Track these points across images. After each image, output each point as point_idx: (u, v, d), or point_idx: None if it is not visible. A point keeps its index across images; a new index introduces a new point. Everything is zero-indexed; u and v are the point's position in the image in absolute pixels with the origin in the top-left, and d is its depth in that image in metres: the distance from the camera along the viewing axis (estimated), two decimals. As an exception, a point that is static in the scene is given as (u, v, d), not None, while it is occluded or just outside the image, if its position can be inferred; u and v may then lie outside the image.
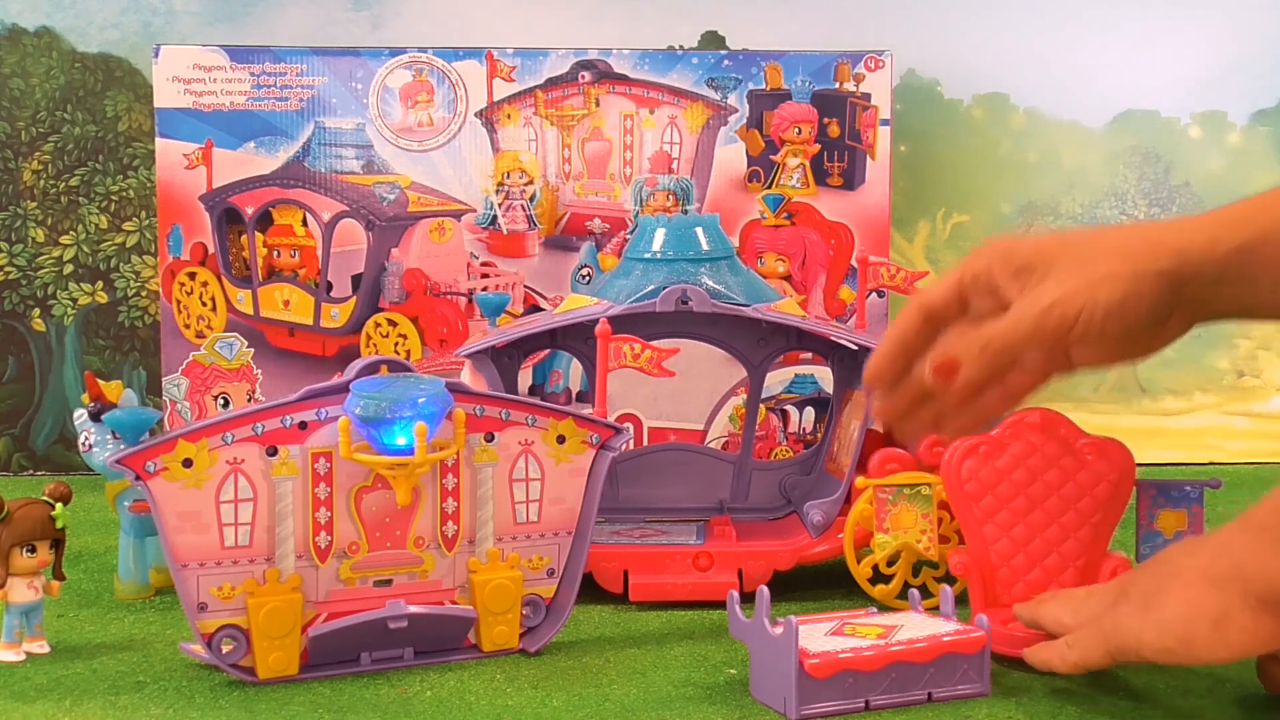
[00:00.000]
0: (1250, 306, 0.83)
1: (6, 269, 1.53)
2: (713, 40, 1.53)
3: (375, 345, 1.39)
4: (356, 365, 0.94)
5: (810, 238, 1.41)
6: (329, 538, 0.93)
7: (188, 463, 0.89)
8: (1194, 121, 1.58)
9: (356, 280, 1.40)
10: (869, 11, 1.54)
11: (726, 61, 1.40)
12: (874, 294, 1.38)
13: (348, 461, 0.92)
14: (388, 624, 0.93)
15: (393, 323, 1.40)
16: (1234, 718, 0.86)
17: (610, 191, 1.41)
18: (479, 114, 1.40)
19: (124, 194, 1.53)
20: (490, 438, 0.96)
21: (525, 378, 1.36)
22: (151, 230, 1.52)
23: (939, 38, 1.55)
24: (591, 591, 1.06)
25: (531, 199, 1.40)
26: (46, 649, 0.97)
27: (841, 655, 0.85)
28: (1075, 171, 1.58)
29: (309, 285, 1.40)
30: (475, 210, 1.40)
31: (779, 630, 0.86)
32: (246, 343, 1.41)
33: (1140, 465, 1.00)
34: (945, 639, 0.88)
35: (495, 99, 1.39)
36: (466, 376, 1.11)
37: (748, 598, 0.95)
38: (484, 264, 1.40)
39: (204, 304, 1.40)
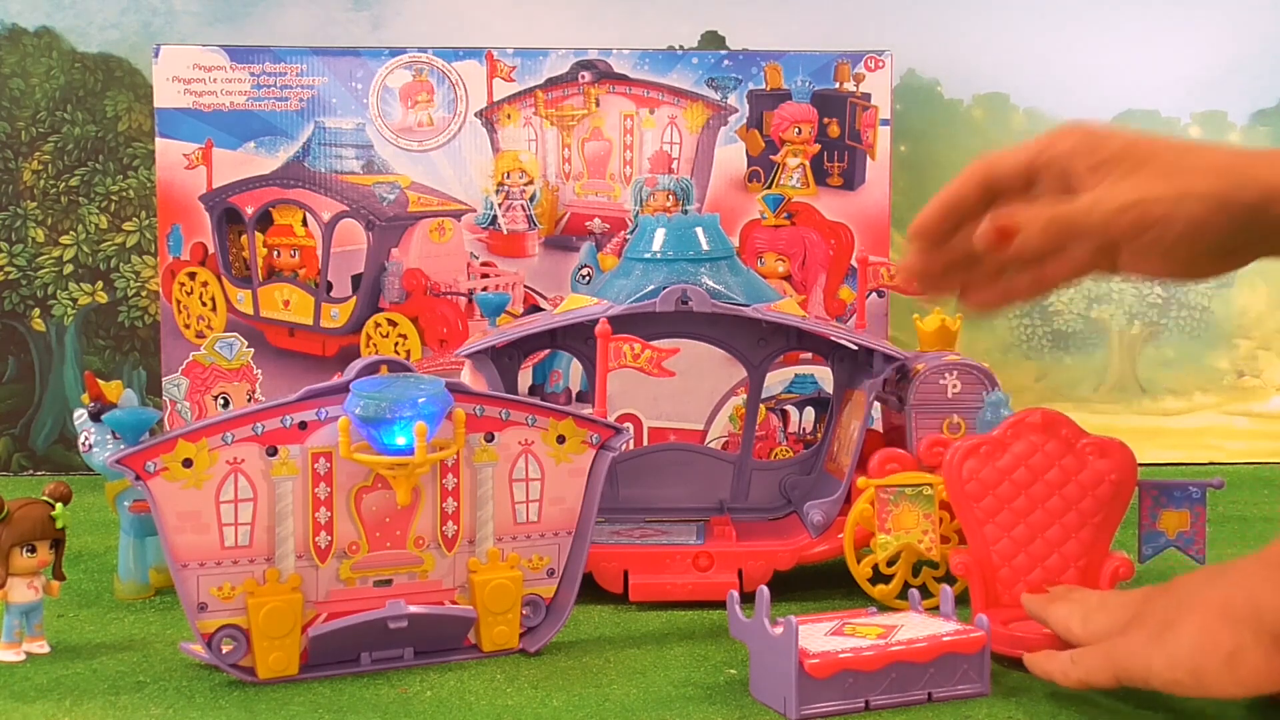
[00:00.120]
0: None
1: (6, 269, 1.53)
2: (713, 40, 1.53)
3: (375, 345, 1.39)
4: (356, 365, 0.94)
5: (810, 238, 1.41)
6: (329, 538, 0.93)
7: (188, 463, 0.89)
8: (1194, 121, 1.58)
9: (356, 280, 1.40)
10: (869, 11, 1.54)
11: (726, 61, 1.40)
12: (874, 294, 1.38)
13: (348, 461, 0.92)
14: (388, 624, 0.93)
15: (393, 323, 1.40)
16: (1234, 718, 0.86)
17: (610, 191, 1.41)
18: (479, 114, 1.40)
19: (124, 194, 1.53)
20: (490, 438, 0.96)
21: (525, 378, 1.36)
22: (151, 230, 1.51)
23: (939, 38, 1.55)
24: (591, 591, 1.06)
25: (531, 199, 1.40)
26: (46, 649, 0.97)
27: (841, 655, 0.85)
28: (1075, 171, 1.58)
29: (309, 285, 1.40)
30: (475, 210, 1.40)
31: (779, 630, 0.86)
32: (246, 343, 1.40)
33: (1140, 465, 1.00)
34: (945, 639, 0.88)
35: (495, 99, 1.39)
36: (466, 376, 1.11)
37: (748, 598, 0.95)
38: (484, 264, 1.40)
39: (204, 304, 1.40)
